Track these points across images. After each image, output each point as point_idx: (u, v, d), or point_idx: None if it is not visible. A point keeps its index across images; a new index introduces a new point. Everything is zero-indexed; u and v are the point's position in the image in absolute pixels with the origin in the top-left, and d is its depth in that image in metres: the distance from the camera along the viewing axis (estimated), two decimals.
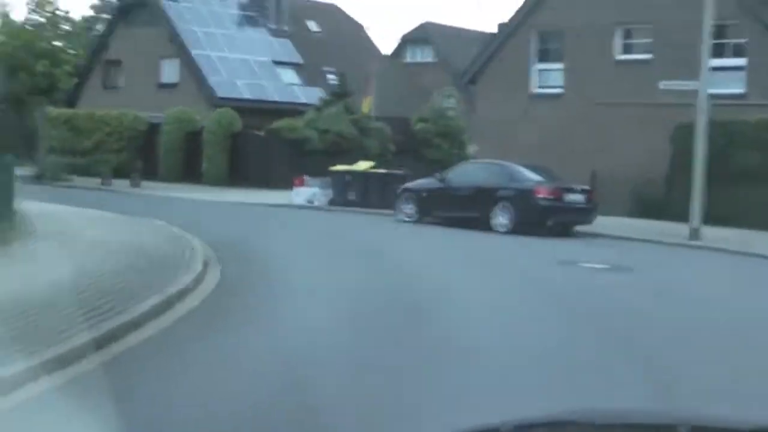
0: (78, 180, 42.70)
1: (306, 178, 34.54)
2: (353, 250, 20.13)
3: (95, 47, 55.62)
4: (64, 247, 16.35)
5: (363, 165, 34.08)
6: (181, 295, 12.30)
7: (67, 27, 44.29)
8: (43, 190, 38.36)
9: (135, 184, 40.52)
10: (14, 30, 42.23)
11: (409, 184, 29.17)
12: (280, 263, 17.15)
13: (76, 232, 19.05)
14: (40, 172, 42.57)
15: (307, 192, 34.13)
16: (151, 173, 44.17)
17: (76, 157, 46.47)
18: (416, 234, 25.32)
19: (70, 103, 54.71)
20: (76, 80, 50.18)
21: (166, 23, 51.41)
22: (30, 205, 26.04)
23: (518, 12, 35.82)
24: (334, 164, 34.98)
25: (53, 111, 48.87)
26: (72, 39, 44.94)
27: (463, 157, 39.43)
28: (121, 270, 13.83)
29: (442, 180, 27.97)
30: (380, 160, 40.24)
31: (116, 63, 54.31)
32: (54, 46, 41.91)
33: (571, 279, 16.60)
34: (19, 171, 45.41)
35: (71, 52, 45.17)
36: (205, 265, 15.45)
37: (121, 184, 40.69)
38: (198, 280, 13.96)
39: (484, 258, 20.05)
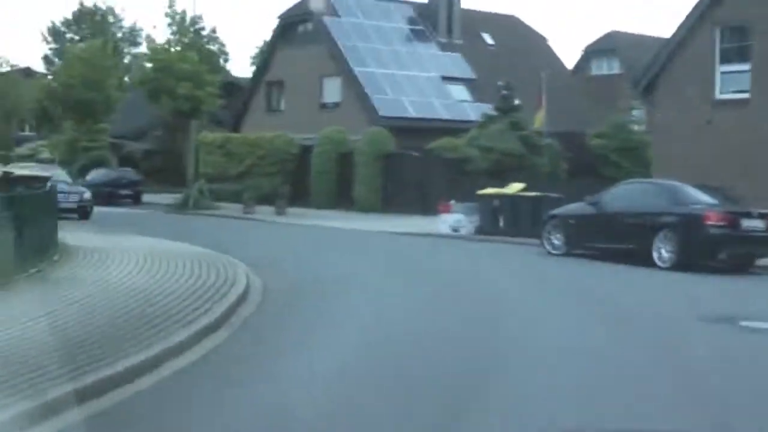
0: (225, 207, 39.50)
1: (452, 203, 30.16)
2: (465, 298, 15.67)
3: (258, 69, 52.91)
4: (57, 296, 12.58)
5: (514, 187, 29.36)
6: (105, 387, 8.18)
7: (211, 47, 41.01)
8: (175, 219, 35.38)
9: (280, 212, 36.97)
10: (155, 52, 39.31)
11: (558, 210, 24.31)
12: (340, 331, 12.85)
13: (107, 275, 15.28)
14: (185, 199, 39.63)
15: (452, 219, 29.72)
16: (302, 199, 40.71)
17: (227, 183, 43.58)
18: (556, 272, 20.46)
19: (235, 127, 52.12)
20: (221, 102, 47.20)
21: (327, 40, 48.04)
22: (115, 239, 22.67)
23: (696, 7, 30.38)
24: (499, 185, 30.46)
25: (208, 136, 46.11)
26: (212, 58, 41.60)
27: (647, 176, 34.18)
28: (80, 336, 9.92)
29: (594, 204, 23.01)
30: (550, 179, 35.51)
31: (278, 84, 51.34)
32: (197, 67, 38.74)
33: (712, 349, 11.46)
34: (167, 199, 42.92)
35: (226, 70, 41.82)
36: (209, 329, 11.33)
37: (267, 212, 37.22)
38: (180, 350, 9.95)
39: (616, 307, 15.07)
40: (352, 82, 46.93)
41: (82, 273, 15.48)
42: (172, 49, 39.47)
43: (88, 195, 33.14)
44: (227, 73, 66.13)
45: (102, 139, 54.72)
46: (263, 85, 52.11)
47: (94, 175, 45.23)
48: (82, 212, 32.55)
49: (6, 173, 26.32)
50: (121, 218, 34.17)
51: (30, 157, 60.25)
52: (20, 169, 24.67)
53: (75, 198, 32.62)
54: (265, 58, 51.84)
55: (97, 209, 39.67)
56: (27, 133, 68.21)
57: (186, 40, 40.51)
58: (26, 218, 15.62)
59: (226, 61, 41.89)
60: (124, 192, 43.71)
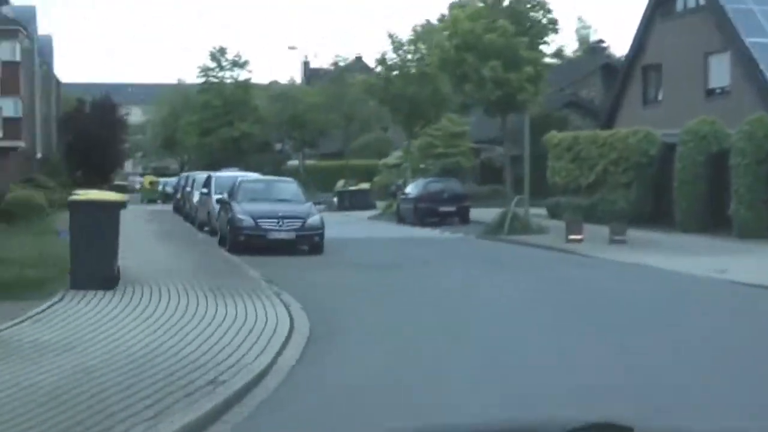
0: (554, 229, 27.96)
1: None
2: None
3: (631, 51, 40.81)
4: None
5: None
6: None
7: (537, 14, 29.53)
8: (458, 252, 24.73)
9: (616, 240, 24.95)
10: (457, 22, 28.50)
11: None
12: None
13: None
14: (500, 221, 28.76)
15: None
16: (665, 218, 28.55)
17: (579, 196, 32.38)
18: None
19: (608, 122, 40.54)
20: (548, 88, 35.43)
21: (713, 6, 35.20)
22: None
23: None
24: None
25: (555, 136, 34.92)
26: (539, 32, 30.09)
27: None
28: None
29: None
30: None
31: (655, 68, 39.00)
32: (509, 40, 27.53)
33: None
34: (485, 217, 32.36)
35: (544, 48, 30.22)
36: None
37: (602, 238, 25.39)
38: None
39: None
40: (743, 57, 33.84)
41: None
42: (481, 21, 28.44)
43: (314, 220, 22.37)
44: (601, 52, 54.61)
45: (460, 143, 45.15)
46: (638, 71, 40.04)
47: (413, 187, 35.58)
48: (309, 244, 22.28)
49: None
50: (379, 250, 24.29)
51: (397, 167, 52.20)
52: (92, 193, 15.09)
53: (291, 226, 22.17)
54: (639, 38, 39.57)
55: (376, 233, 30.29)
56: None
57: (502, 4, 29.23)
58: None
59: (555, 32, 29.73)
60: (444, 209, 33.39)
